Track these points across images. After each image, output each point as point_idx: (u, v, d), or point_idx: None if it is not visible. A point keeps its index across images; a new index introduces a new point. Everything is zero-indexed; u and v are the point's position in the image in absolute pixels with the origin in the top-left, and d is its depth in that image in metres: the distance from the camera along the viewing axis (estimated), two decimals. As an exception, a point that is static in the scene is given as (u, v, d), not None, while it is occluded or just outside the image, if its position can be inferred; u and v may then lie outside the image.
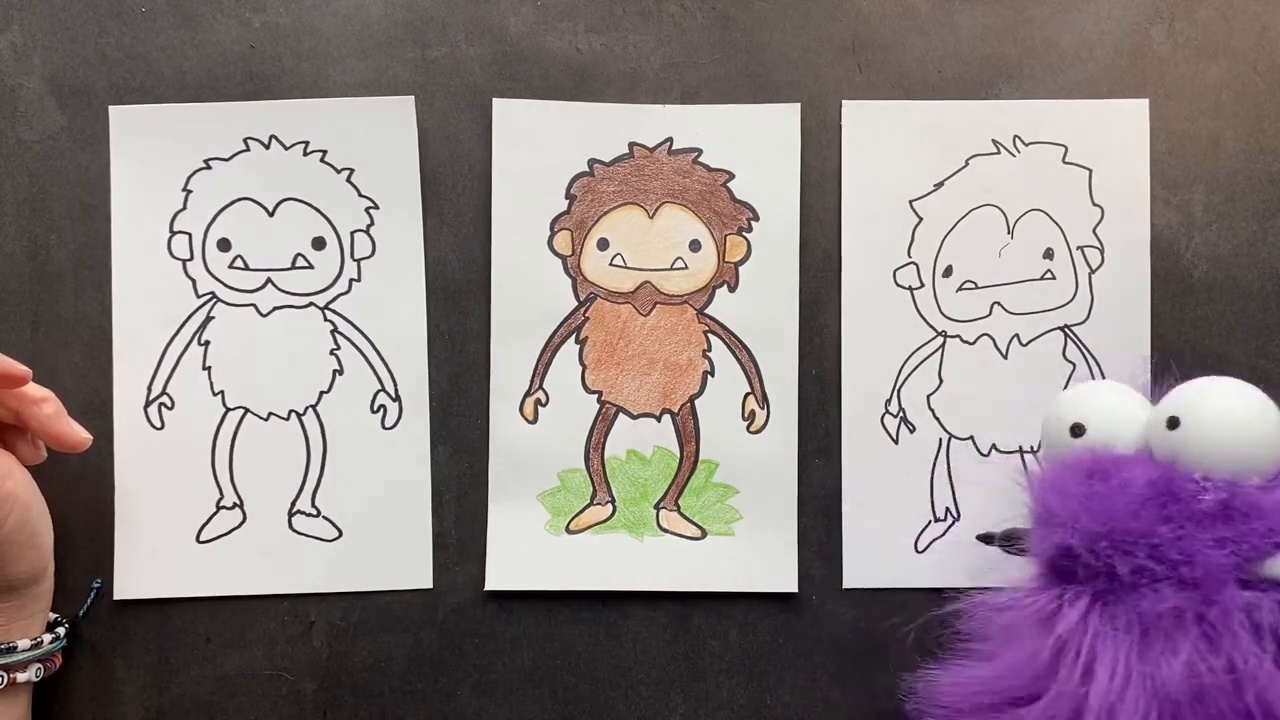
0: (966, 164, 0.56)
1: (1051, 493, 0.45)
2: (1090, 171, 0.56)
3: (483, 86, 0.56)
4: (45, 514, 0.51)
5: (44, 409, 0.50)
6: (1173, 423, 0.44)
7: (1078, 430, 0.47)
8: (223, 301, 0.55)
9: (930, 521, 0.56)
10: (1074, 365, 0.56)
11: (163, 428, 0.55)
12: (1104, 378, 0.56)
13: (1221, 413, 0.44)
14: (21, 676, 0.50)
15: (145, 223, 0.55)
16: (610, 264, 0.56)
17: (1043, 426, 0.49)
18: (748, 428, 0.56)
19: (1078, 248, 0.56)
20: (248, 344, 0.55)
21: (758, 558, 0.55)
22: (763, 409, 0.56)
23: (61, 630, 0.53)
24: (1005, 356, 0.56)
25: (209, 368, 0.55)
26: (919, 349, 0.56)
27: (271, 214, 0.55)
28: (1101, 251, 0.56)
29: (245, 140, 0.55)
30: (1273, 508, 0.43)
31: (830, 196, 0.56)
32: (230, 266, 0.55)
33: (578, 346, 0.56)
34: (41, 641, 0.51)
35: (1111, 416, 0.47)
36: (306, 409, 0.55)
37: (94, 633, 0.55)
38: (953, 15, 0.56)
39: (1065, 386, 0.56)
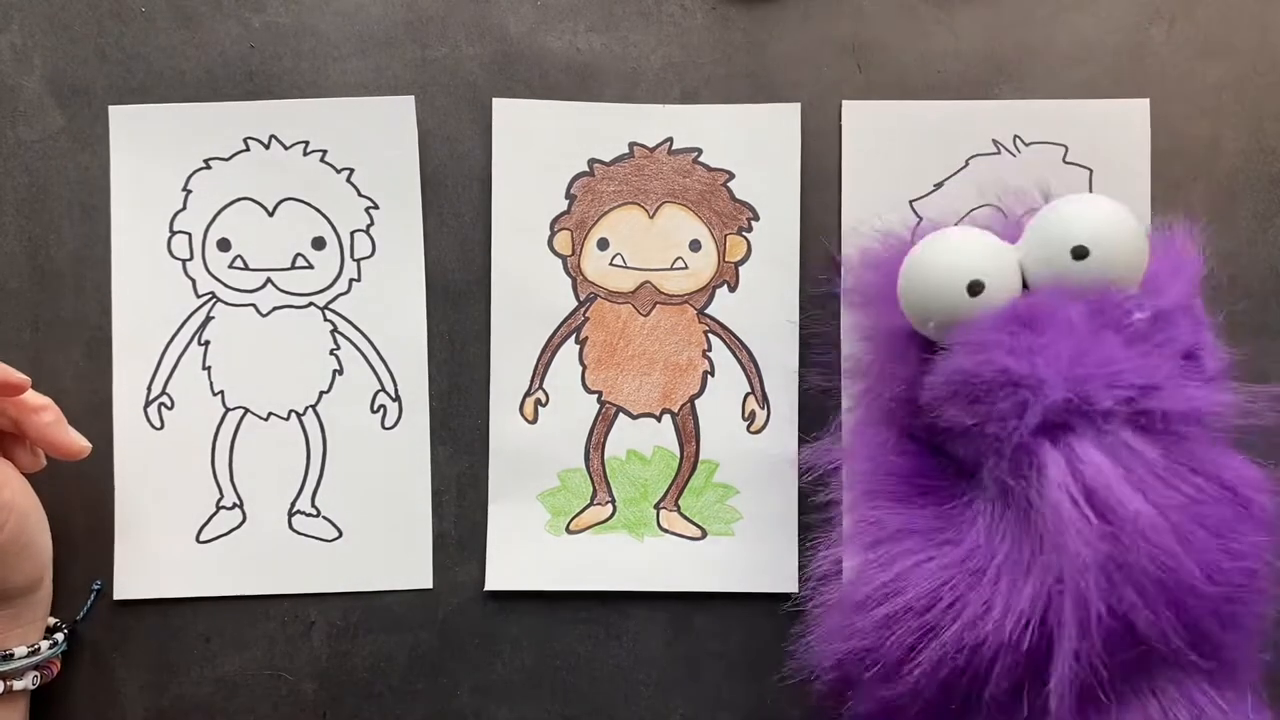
0: (966, 164, 0.56)
1: (995, 353, 0.44)
2: (1090, 171, 0.56)
3: (483, 86, 0.56)
4: (43, 522, 0.51)
5: (43, 417, 0.50)
6: (1079, 253, 0.44)
7: (976, 288, 0.45)
8: (223, 301, 0.55)
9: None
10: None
11: (163, 428, 0.55)
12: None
13: (1120, 229, 0.45)
14: (18, 684, 0.50)
15: (145, 223, 0.55)
16: (610, 264, 0.56)
17: (909, 284, 0.47)
18: (748, 428, 0.56)
19: (1078, 247, 0.56)
20: (248, 344, 0.55)
21: (758, 558, 0.55)
22: (763, 409, 0.56)
23: (60, 636, 0.52)
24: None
25: (209, 368, 0.55)
26: (919, 348, 0.56)
27: (271, 214, 0.55)
28: None
29: (245, 140, 0.55)
30: (1179, 310, 0.45)
31: (830, 196, 0.56)
32: (230, 266, 0.55)
33: (578, 346, 0.56)
34: (39, 648, 0.51)
35: (999, 262, 0.46)
36: (306, 409, 0.55)
37: (94, 633, 0.55)
38: (953, 15, 0.56)
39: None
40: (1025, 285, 0.47)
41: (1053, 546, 0.42)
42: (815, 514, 0.55)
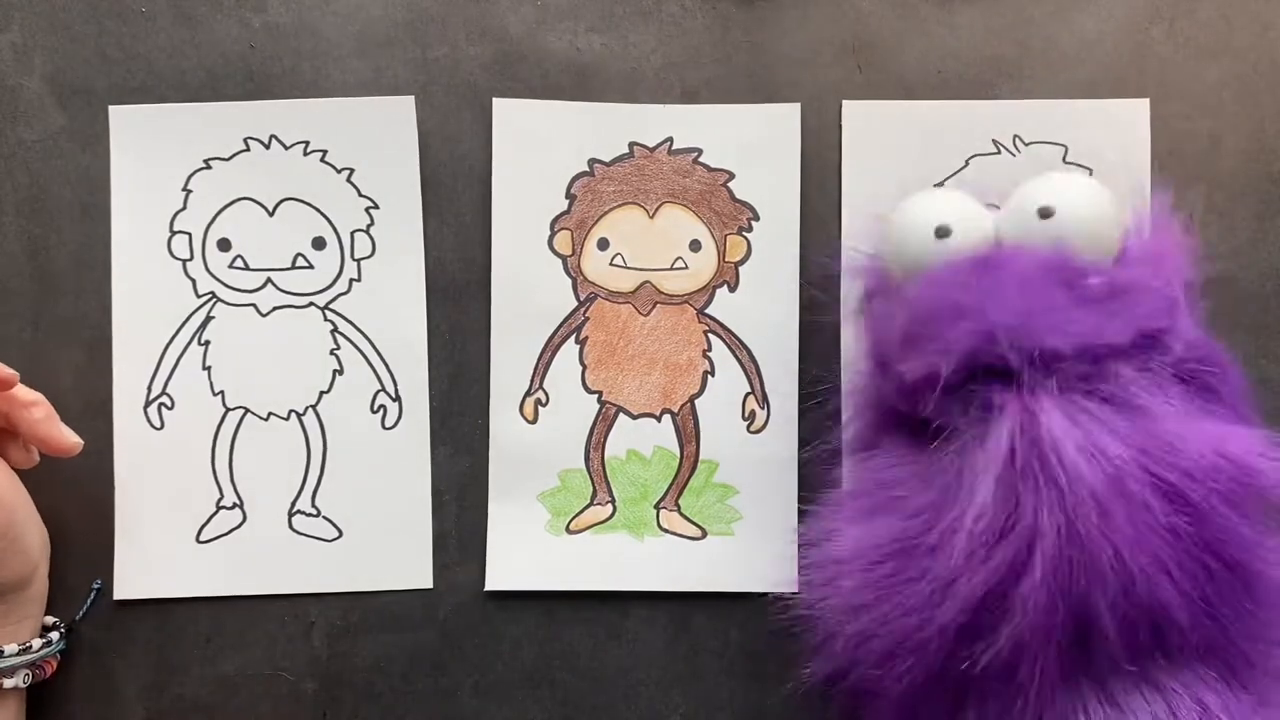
0: (967, 164, 0.56)
1: (950, 289, 0.45)
2: (1090, 172, 0.55)
3: (483, 86, 0.56)
4: (33, 518, 0.51)
5: (34, 413, 0.50)
6: (1045, 212, 0.46)
7: (943, 232, 0.47)
8: (223, 301, 0.55)
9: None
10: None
11: (163, 428, 0.55)
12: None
13: (1090, 198, 0.47)
14: (9, 682, 0.49)
15: (145, 223, 0.55)
16: (610, 264, 0.56)
17: (887, 235, 0.49)
18: (748, 428, 0.56)
19: (1078, 247, 0.56)
20: (248, 344, 0.55)
21: (758, 558, 0.55)
22: (763, 409, 0.56)
23: (55, 635, 0.52)
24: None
25: (209, 368, 0.55)
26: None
27: (271, 214, 0.55)
28: None
29: (245, 140, 0.55)
30: (1142, 288, 0.46)
31: (830, 196, 0.56)
32: (230, 266, 0.55)
33: (578, 346, 0.56)
34: (31, 646, 0.50)
35: (969, 214, 0.48)
36: (306, 409, 0.55)
37: (94, 633, 0.55)
38: (953, 15, 0.56)
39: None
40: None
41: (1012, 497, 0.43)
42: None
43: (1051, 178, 0.48)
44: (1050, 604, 0.42)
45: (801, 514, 0.55)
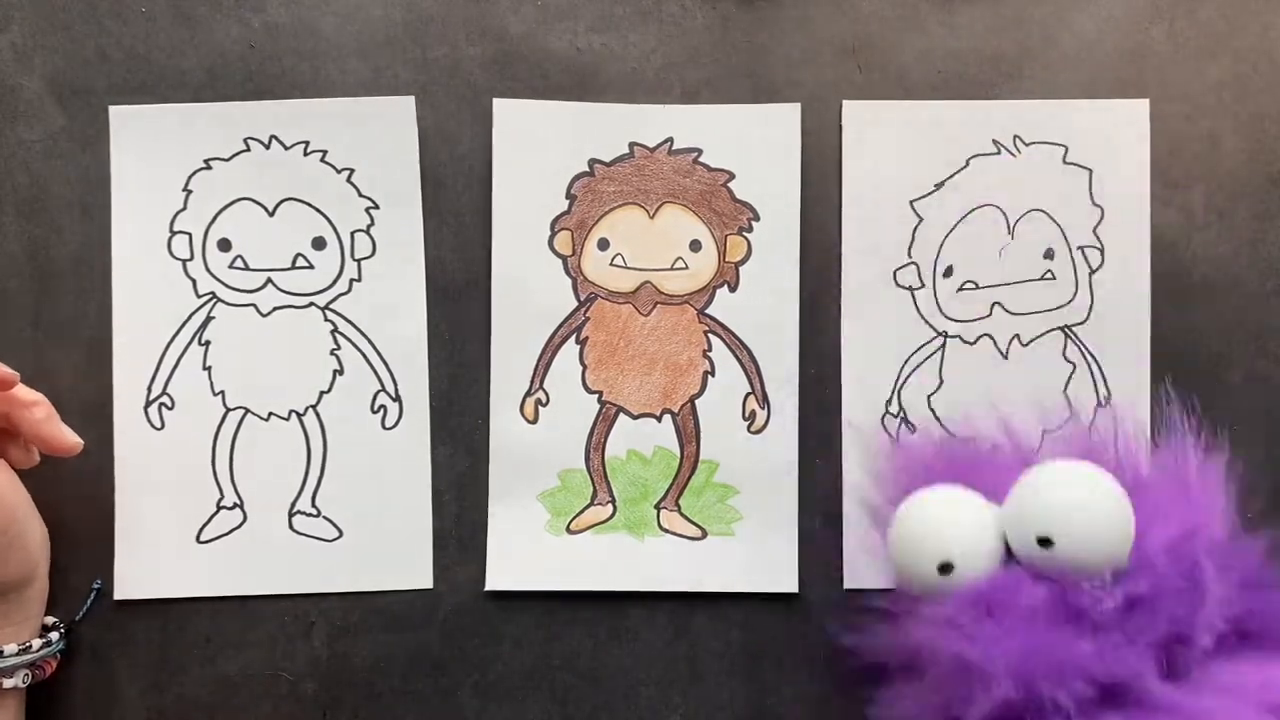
0: (967, 164, 0.56)
1: (953, 640, 0.44)
2: (1090, 171, 0.56)
3: (483, 86, 0.56)
4: (33, 518, 0.51)
5: (35, 413, 0.50)
6: (1044, 543, 0.44)
7: (946, 569, 0.45)
8: (223, 301, 0.55)
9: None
10: (1074, 365, 0.56)
11: (163, 428, 0.55)
12: (1104, 379, 0.55)
13: (1092, 524, 0.44)
14: (8, 682, 0.49)
15: (145, 223, 0.55)
16: (610, 264, 0.56)
17: (891, 550, 0.48)
18: (748, 428, 0.56)
19: (1078, 248, 0.56)
20: (248, 344, 0.55)
21: (758, 558, 0.55)
22: (763, 409, 0.56)
23: (55, 635, 0.52)
24: (1005, 357, 0.56)
25: (209, 368, 0.55)
26: (919, 349, 0.56)
27: (271, 214, 0.55)
28: (1102, 252, 0.56)
29: (245, 140, 0.55)
30: (1158, 593, 0.43)
31: (830, 196, 0.56)
32: (230, 266, 0.55)
33: (578, 346, 0.56)
34: (31, 646, 0.50)
35: (973, 539, 0.46)
36: (306, 409, 0.55)
37: (94, 633, 0.55)
38: (953, 15, 0.56)
39: (1065, 388, 0.55)
40: (1009, 552, 0.46)
41: None
42: (815, 514, 0.55)
43: (1047, 494, 0.45)
44: None
45: (802, 514, 0.55)
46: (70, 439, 0.51)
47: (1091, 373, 0.56)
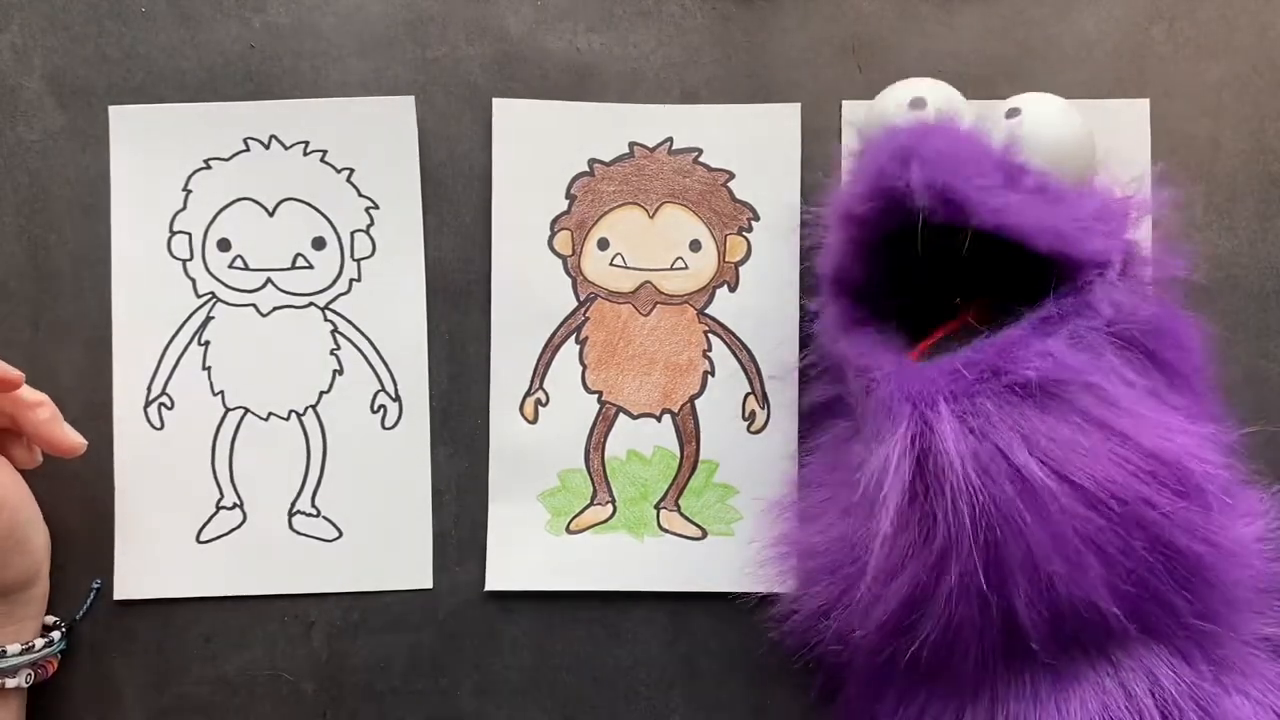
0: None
1: (897, 136, 0.46)
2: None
3: (483, 86, 0.56)
4: (37, 519, 0.51)
5: (39, 414, 0.50)
6: (1011, 112, 0.48)
7: (918, 103, 0.48)
8: (223, 301, 0.55)
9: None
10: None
11: (163, 428, 0.55)
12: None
13: (1055, 112, 0.48)
14: (11, 682, 0.50)
15: (145, 223, 0.55)
16: (610, 264, 0.56)
17: (869, 115, 0.50)
18: (748, 428, 0.56)
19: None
20: (248, 344, 0.55)
21: (758, 558, 0.55)
22: (763, 409, 0.56)
23: (57, 634, 0.52)
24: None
25: (209, 368, 0.55)
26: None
27: (271, 214, 0.55)
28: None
29: (245, 140, 0.55)
30: (1076, 201, 0.46)
31: (830, 197, 0.56)
32: (230, 266, 0.55)
33: (578, 346, 0.56)
34: (33, 646, 0.51)
35: (948, 98, 0.49)
36: (306, 409, 0.55)
37: (94, 633, 0.55)
38: (953, 15, 0.56)
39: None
40: None
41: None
42: (815, 514, 0.55)
43: (1035, 94, 0.50)
44: (972, 601, 0.43)
45: (801, 514, 0.55)
46: (74, 439, 0.51)
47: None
